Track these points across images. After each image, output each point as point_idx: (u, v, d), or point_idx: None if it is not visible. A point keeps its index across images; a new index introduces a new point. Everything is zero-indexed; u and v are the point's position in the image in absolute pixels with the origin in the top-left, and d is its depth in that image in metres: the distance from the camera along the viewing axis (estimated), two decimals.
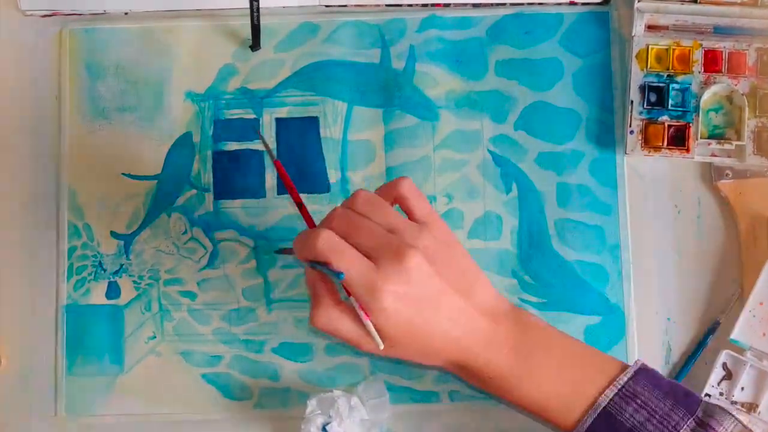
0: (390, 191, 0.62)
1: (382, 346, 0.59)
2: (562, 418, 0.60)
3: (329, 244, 0.58)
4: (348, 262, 0.58)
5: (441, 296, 0.59)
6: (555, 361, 0.61)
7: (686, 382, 0.71)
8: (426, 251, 0.58)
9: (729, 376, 0.70)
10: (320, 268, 0.60)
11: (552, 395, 0.61)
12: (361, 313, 0.59)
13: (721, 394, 0.70)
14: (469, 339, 0.60)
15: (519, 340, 0.61)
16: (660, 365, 0.72)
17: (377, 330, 0.59)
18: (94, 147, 0.75)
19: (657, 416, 0.58)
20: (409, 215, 0.62)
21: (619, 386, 0.60)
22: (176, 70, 0.76)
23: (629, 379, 0.60)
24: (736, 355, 0.70)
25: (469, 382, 0.64)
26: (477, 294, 0.61)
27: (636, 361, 0.62)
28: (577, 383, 0.61)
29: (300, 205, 0.65)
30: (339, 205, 0.61)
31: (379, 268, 0.57)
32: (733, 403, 0.70)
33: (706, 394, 0.70)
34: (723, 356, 0.70)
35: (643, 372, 0.61)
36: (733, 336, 0.70)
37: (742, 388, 0.70)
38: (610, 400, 0.59)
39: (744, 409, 0.70)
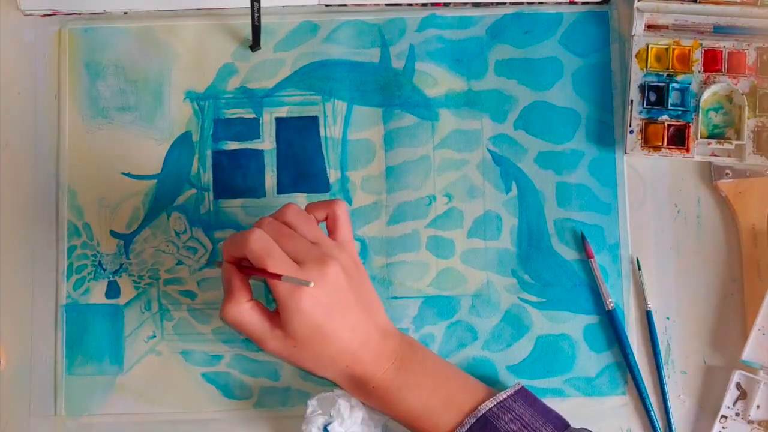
0: (324, 209, 0.67)
1: (312, 284, 0.61)
2: (436, 427, 0.65)
3: (261, 243, 0.62)
4: (276, 261, 0.62)
5: (348, 307, 0.64)
6: (431, 378, 0.66)
7: (701, 398, 0.71)
8: (343, 266, 0.64)
9: (744, 395, 0.70)
10: (247, 268, 0.64)
11: (429, 405, 0.65)
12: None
13: (737, 414, 0.70)
14: (362, 350, 0.65)
15: (404, 355, 0.66)
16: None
17: (288, 330, 0.62)
18: (94, 146, 0.75)
19: (529, 428, 0.63)
20: (332, 234, 0.67)
21: (499, 400, 0.65)
22: (176, 70, 0.76)
23: (509, 396, 0.65)
24: (748, 374, 0.70)
25: (354, 393, 0.67)
26: (374, 313, 0.66)
27: (517, 383, 0.67)
28: (452, 397, 0.65)
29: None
30: (269, 215, 0.65)
31: (302, 271, 0.62)
32: (750, 422, 0.69)
33: (723, 416, 0.70)
34: (736, 376, 0.70)
35: (522, 392, 0.66)
36: (744, 357, 0.70)
37: (758, 407, 0.70)
38: (489, 409, 0.64)
39: (762, 428, 0.69)
